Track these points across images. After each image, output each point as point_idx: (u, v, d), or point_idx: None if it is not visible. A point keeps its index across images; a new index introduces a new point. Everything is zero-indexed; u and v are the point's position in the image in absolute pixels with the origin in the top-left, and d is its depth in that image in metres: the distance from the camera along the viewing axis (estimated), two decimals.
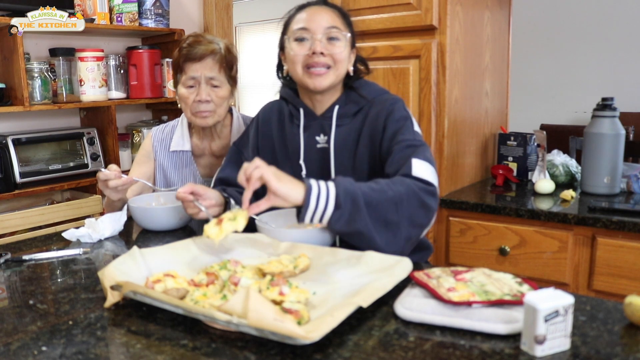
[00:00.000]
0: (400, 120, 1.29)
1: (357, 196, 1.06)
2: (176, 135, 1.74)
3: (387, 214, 1.08)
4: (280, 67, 1.45)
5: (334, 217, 1.06)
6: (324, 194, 1.06)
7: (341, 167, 1.35)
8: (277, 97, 1.50)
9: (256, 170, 1.06)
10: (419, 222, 1.13)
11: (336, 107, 1.36)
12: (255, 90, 6.62)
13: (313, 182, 1.07)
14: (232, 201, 1.38)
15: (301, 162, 1.38)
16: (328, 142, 1.36)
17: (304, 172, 1.38)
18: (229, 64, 1.62)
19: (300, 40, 1.32)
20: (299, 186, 1.07)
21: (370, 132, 1.33)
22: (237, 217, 1.11)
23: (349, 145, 1.35)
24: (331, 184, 1.08)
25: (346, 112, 1.36)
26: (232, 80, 1.64)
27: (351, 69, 1.38)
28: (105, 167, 1.49)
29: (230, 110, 1.74)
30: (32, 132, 2.45)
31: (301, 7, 1.37)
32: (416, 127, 1.31)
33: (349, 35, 1.34)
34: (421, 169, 1.17)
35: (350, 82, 1.39)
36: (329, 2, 1.40)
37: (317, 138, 1.38)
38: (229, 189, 1.43)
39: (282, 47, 1.41)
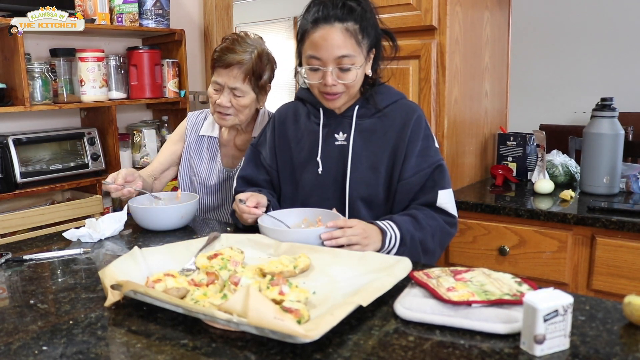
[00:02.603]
0: (428, 139, 1.39)
1: (414, 237, 1.30)
2: (207, 121, 1.80)
3: (427, 244, 1.33)
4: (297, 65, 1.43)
5: (397, 252, 1.28)
6: (394, 238, 1.27)
7: (358, 164, 1.38)
8: (291, 98, 1.54)
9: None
10: (444, 246, 1.42)
11: (356, 107, 1.40)
12: None
13: (386, 228, 1.26)
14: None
15: (318, 159, 1.41)
16: (347, 139, 1.40)
17: (320, 169, 1.41)
18: (257, 73, 1.60)
19: (312, 69, 1.32)
20: (378, 236, 1.26)
21: (394, 138, 1.37)
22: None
23: (368, 144, 1.39)
24: (396, 228, 1.27)
25: (366, 112, 1.40)
26: (260, 88, 1.64)
27: (369, 72, 1.38)
28: (106, 168, 1.51)
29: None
30: (32, 132, 2.45)
31: (316, 21, 1.29)
32: (436, 143, 1.42)
33: (362, 57, 1.32)
34: (445, 200, 1.36)
35: (367, 92, 1.40)
36: (344, 13, 1.28)
37: (336, 136, 1.41)
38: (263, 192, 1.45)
39: (299, 56, 1.38)
